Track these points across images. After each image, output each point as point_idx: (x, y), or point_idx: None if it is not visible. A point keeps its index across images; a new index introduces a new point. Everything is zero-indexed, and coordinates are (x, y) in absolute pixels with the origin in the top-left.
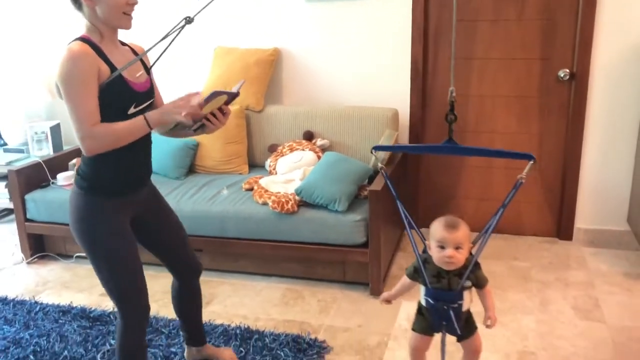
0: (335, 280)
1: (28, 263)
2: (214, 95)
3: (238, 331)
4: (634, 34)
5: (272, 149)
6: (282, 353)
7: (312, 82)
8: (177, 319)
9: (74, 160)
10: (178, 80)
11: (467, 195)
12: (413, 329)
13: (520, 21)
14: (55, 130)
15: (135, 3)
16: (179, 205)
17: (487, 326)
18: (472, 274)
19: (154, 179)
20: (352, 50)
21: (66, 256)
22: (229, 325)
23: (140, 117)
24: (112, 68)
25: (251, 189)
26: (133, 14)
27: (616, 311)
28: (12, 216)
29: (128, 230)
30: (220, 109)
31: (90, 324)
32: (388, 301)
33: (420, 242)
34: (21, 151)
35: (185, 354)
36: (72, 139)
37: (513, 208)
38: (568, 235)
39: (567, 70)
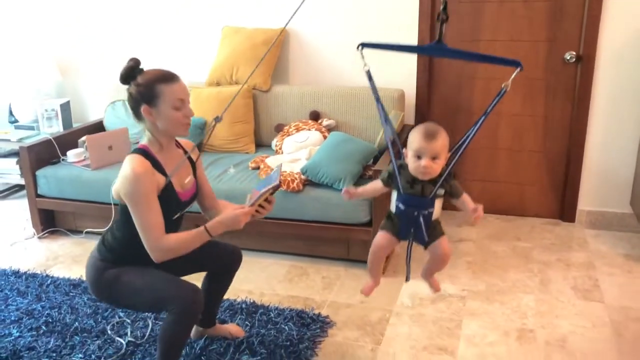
0: (339, 258)
1: (39, 238)
2: (260, 195)
3: (244, 305)
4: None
5: (279, 128)
6: (286, 327)
7: (319, 63)
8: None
9: (84, 138)
10: (186, 59)
11: (472, 177)
12: (381, 228)
13: (527, 2)
14: (65, 108)
15: (192, 115)
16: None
17: (475, 217)
18: (447, 183)
19: None
20: (359, 30)
21: (76, 231)
22: (234, 300)
23: (202, 229)
24: (165, 175)
25: (257, 168)
26: None
27: (615, 292)
28: (23, 192)
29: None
30: (266, 199)
31: None
32: (350, 196)
33: (397, 146)
34: (32, 128)
35: (192, 333)
36: (81, 116)
37: (517, 189)
38: (571, 217)
39: (574, 53)
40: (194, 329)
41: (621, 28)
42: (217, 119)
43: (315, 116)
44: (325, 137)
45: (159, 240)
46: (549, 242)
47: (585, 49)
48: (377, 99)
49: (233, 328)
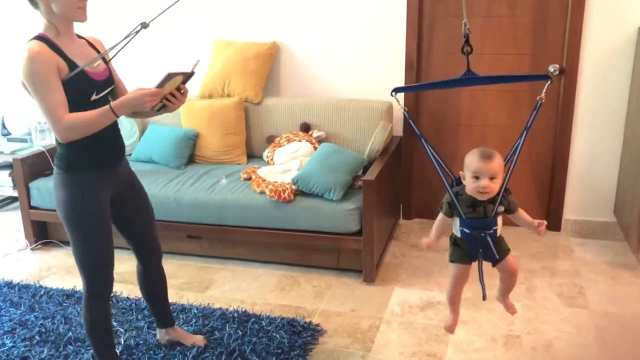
0: (329, 267)
1: (32, 249)
2: (169, 77)
3: (235, 314)
4: (621, 31)
5: (270, 140)
6: (277, 335)
7: (310, 76)
8: (144, 301)
9: None
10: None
11: None
12: (451, 260)
13: (512, 17)
14: None
15: None
16: (179, 193)
17: (540, 231)
18: (504, 199)
19: (155, 168)
20: (348, 44)
21: (69, 243)
22: (227, 309)
23: (107, 107)
24: (69, 62)
25: (249, 179)
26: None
27: (599, 298)
28: (16, 204)
29: (106, 207)
30: (178, 89)
31: None
32: (430, 246)
33: (449, 176)
34: (24, 140)
35: (157, 336)
36: None
37: None
38: (557, 226)
39: (557, 66)
40: (158, 332)
41: (602, 41)
42: (144, 25)
43: (306, 128)
44: (315, 148)
45: (61, 118)
46: (535, 251)
47: (568, 61)
48: (421, 136)
49: (198, 337)
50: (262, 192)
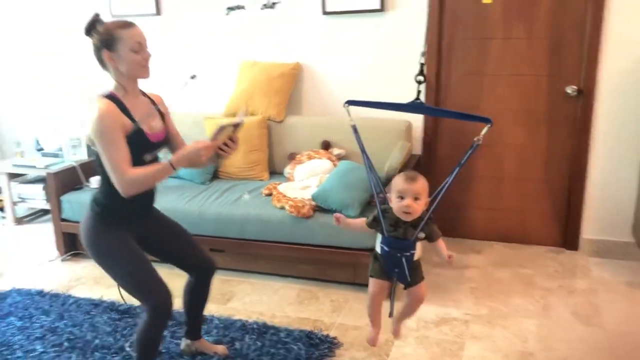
0: (346, 282)
1: (62, 260)
2: (221, 130)
3: (255, 326)
4: (638, 53)
5: (292, 157)
6: (295, 347)
7: (331, 95)
8: (183, 311)
9: None
10: (206, 91)
11: (478, 206)
12: (370, 275)
13: (530, 39)
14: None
15: (150, 57)
16: (202, 207)
17: (450, 262)
18: (427, 226)
19: (181, 183)
20: (369, 64)
21: None
22: (246, 321)
23: (167, 163)
24: (134, 122)
25: (270, 194)
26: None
27: (615, 318)
28: (48, 216)
29: (133, 242)
30: (230, 139)
31: (119, 316)
32: (339, 222)
33: (382, 195)
34: (57, 156)
35: (181, 346)
36: None
37: (521, 217)
38: (574, 245)
39: (575, 87)
40: (183, 342)
41: (619, 63)
42: (193, 77)
43: (326, 146)
44: (335, 166)
45: (125, 173)
46: (552, 270)
47: (585, 83)
48: (362, 150)
49: (220, 347)
50: (282, 208)
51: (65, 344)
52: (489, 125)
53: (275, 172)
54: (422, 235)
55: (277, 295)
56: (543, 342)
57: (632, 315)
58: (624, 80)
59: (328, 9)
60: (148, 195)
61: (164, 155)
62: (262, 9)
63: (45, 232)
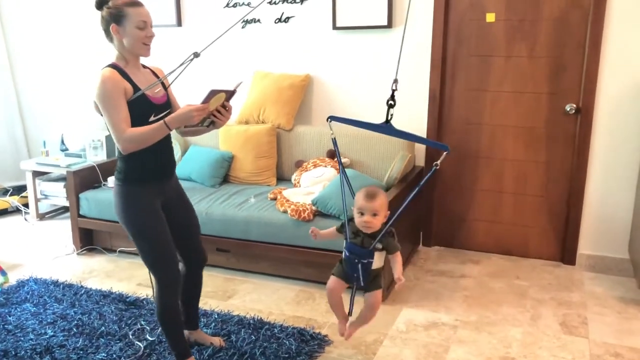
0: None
1: (78, 254)
2: (213, 93)
3: (252, 321)
4: (636, 72)
5: (299, 164)
6: (287, 342)
7: (338, 106)
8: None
9: None
10: None
11: (478, 218)
12: (332, 273)
13: (531, 58)
14: (110, 139)
15: (152, 36)
16: (210, 208)
17: (397, 283)
18: (384, 239)
19: (192, 185)
20: (375, 77)
21: (111, 250)
22: (244, 317)
23: (161, 122)
24: (135, 87)
25: (275, 199)
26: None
27: (601, 329)
28: (68, 213)
29: (159, 211)
30: (223, 106)
31: (126, 307)
32: (314, 236)
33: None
34: (79, 156)
35: None
36: None
37: (520, 231)
38: (571, 260)
39: (574, 105)
40: None
41: (617, 82)
42: (196, 54)
43: (332, 155)
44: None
45: (124, 132)
46: (547, 282)
47: (584, 101)
48: (340, 163)
49: (216, 339)
50: (285, 212)
51: (74, 329)
52: (446, 153)
53: (283, 178)
54: (379, 246)
55: (276, 295)
56: (526, 349)
57: (618, 328)
58: (622, 99)
59: (338, 25)
60: (162, 153)
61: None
62: (276, 22)
63: (64, 228)
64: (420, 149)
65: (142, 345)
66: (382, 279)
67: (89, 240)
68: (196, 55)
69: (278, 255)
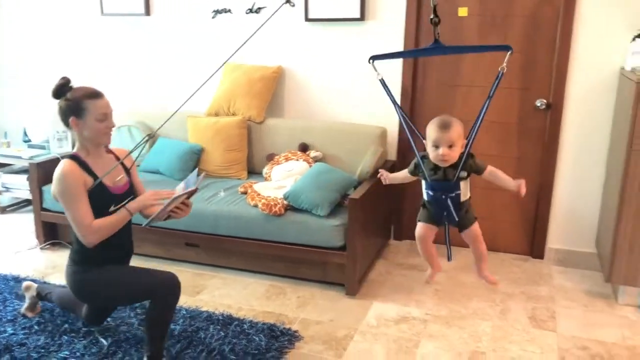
0: (315, 279)
1: (41, 248)
2: (175, 200)
3: (220, 317)
4: (604, 69)
5: (270, 157)
6: (257, 338)
7: (311, 99)
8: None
9: None
10: (191, 90)
11: None
12: (418, 220)
13: (503, 53)
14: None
15: (113, 127)
16: None
17: (521, 191)
18: (467, 164)
19: (160, 178)
20: (348, 70)
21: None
22: (213, 312)
23: (124, 210)
24: (95, 178)
25: (246, 193)
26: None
27: (569, 323)
28: (31, 206)
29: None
30: (183, 203)
31: None
32: (382, 175)
33: (420, 143)
34: (43, 147)
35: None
36: None
37: (490, 225)
38: (540, 254)
39: (544, 100)
40: None
41: (586, 79)
42: (151, 135)
43: (304, 148)
44: (311, 167)
45: (89, 226)
46: (516, 276)
47: (554, 97)
48: (394, 102)
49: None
50: (255, 206)
51: (35, 327)
52: (510, 52)
53: (253, 171)
54: (463, 174)
55: (246, 290)
56: (496, 343)
57: (585, 321)
58: (590, 95)
59: (311, 16)
60: (122, 237)
61: None
62: (247, 13)
63: (27, 222)
64: (392, 143)
65: (106, 343)
66: (473, 210)
67: (52, 234)
68: (150, 136)
69: (248, 250)
